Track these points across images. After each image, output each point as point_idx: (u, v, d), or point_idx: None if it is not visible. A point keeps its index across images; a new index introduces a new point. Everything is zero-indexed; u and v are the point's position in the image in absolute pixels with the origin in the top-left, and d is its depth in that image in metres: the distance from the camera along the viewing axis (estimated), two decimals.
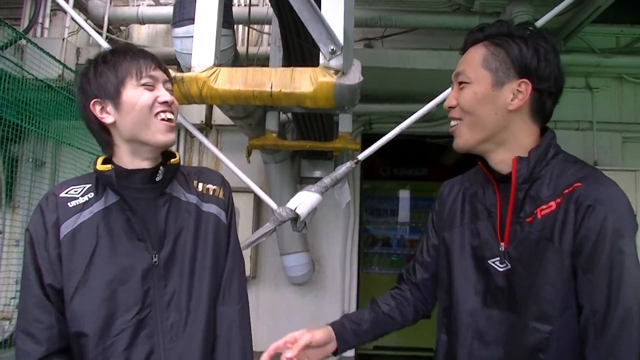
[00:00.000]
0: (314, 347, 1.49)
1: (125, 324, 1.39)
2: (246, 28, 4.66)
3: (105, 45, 2.74)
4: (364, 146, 2.23)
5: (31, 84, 3.52)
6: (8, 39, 3.82)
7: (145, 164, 1.49)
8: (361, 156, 2.28)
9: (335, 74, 1.91)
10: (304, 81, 1.93)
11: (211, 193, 1.59)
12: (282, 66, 3.07)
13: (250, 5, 4.18)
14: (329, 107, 1.99)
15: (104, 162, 1.49)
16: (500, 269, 1.34)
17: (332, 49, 1.88)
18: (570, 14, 4.23)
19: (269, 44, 4.27)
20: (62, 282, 1.39)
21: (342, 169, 2.10)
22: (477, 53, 1.38)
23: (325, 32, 1.87)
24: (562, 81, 1.36)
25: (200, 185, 1.59)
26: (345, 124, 3.72)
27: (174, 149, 1.59)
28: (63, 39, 4.32)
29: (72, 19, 3.43)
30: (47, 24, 4.58)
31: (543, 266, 1.26)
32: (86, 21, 4.49)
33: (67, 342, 1.40)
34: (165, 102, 1.46)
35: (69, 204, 1.44)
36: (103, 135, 1.49)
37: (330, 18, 1.89)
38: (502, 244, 1.34)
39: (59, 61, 3.84)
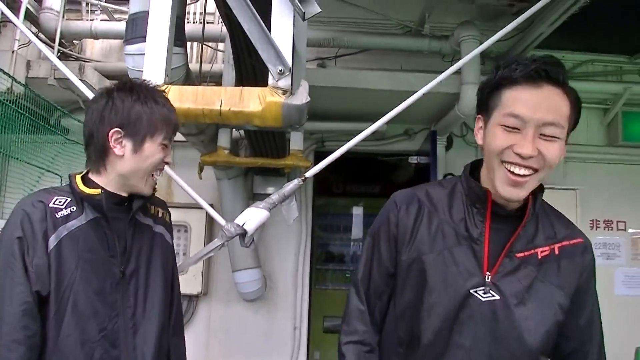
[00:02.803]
0: None
1: (102, 332, 1.51)
2: (200, 45, 4.68)
3: (54, 60, 2.72)
4: (317, 163, 2.29)
5: None
6: None
7: (121, 192, 1.61)
8: (309, 173, 2.32)
9: (284, 94, 1.96)
10: (252, 100, 1.97)
11: (160, 216, 1.77)
12: (235, 85, 3.11)
13: (204, 22, 4.20)
14: (278, 126, 2.03)
15: (83, 181, 1.59)
16: (484, 299, 1.33)
17: (281, 70, 1.94)
18: (515, 39, 4.43)
19: (222, 62, 4.30)
20: (49, 289, 1.47)
21: (290, 185, 2.13)
22: (564, 104, 1.30)
23: (274, 53, 1.92)
24: None
25: (152, 208, 1.76)
26: (296, 141, 3.78)
27: None
28: (13, 52, 4.24)
29: (23, 32, 3.39)
30: None
31: (548, 306, 1.35)
32: (37, 34, 4.43)
33: (38, 353, 1.46)
34: (166, 163, 1.63)
35: (56, 214, 1.52)
36: (101, 156, 1.58)
37: (279, 40, 1.94)
38: (489, 274, 1.33)
39: (7, 74, 3.77)
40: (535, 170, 1.30)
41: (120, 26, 4.71)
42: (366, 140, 2.41)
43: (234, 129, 3.62)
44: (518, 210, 1.38)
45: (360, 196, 7.18)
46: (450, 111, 4.36)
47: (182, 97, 2.03)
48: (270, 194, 2.09)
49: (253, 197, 4.80)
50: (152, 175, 1.61)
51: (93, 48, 5.36)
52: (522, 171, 1.29)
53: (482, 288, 1.33)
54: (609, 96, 5.12)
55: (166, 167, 2.66)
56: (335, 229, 7.11)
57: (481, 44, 2.94)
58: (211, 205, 2.62)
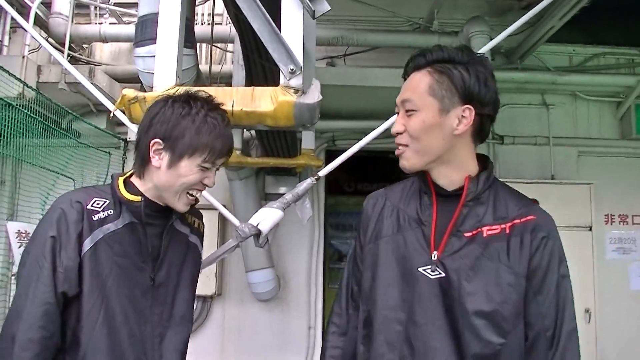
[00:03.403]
0: None
1: (132, 337, 1.50)
2: (209, 46, 4.68)
3: (65, 63, 2.74)
4: (328, 162, 2.28)
5: None
6: None
7: (159, 201, 1.59)
8: (322, 172, 2.32)
9: (295, 93, 1.95)
10: (264, 100, 1.95)
11: (196, 226, 1.76)
12: (245, 85, 3.11)
13: (213, 24, 4.21)
14: (290, 126, 2.02)
15: (125, 184, 1.58)
16: (432, 277, 1.40)
17: (292, 69, 1.92)
18: (525, 33, 4.40)
19: (232, 62, 4.30)
20: (76, 291, 1.45)
21: (303, 185, 2.13)
22: (422, 80, 1.43)
23: (284, 52, 1.91)
24: (499, 104, 1.47)
25: (190, 217, 1.74)
26: (308, 140, 3.77)
27: None
28: (23, 57, 4.27)
29: (33, 37, 3.41)
30: (6, 41, 4.55)
31: (495, 284, 1.36)
32: (47, 39, 4.46)
33: (54, 354, 1.44)
34: (206, 186, 1.57)
35: (93, 217, 1.50)
36: (142, 163, 1.56)
37: (289, 39, 1.93)
38: (436, 252, 1.41)
39: (19, 79, 3.79)
40: (405, 145, 1.46)
41: (129, 29, 4.73)
42: (377, 138, 2.40)
43: (245, 129, 3.62)
44: (459, 190, 1.45)
45: None
46: None
47: None
48: (282, 194, 2.08)
49: (265, 197, 4.81)
50: (188, 193, 1.56)
51: (102, 51, 5.39)
52: (399, 147, 1.47)
53: (430, 266, 1.40)
54: (621, 89, 5.09)
55: None
56: (348, 228, 7.09)
57: (491, 39, 2.93)
58: (223, 206, 2.62)
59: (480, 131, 1.46)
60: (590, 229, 4.59)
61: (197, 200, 1.63)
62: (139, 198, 1.54)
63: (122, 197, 1.54)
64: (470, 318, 1.35)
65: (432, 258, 1.41)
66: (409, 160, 1.47)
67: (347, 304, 1.65)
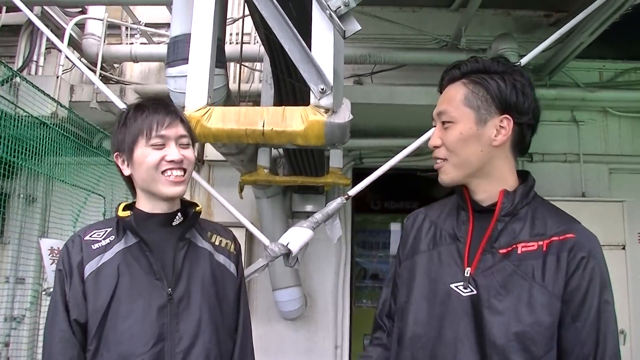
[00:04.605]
0: None
1: (142, 355, 1.49)
2: (238, 65, 4.73)
3: (98, 83, 2.79)
4: (355, 181, 2.28)
5: (25, 121, 3.54)
6: (3, 77, 3.86)
7: (162, 209, 1.63)
8: (352, 192, 2.31)
9: (326, 113, 1.95)
10: (295, 120, 1.96)
11: (223, 245, 1.74)
12: (274, 104, 3.12)
13: (242, 43, 4.25)
14: (320, 145, 2.02)
15: (125, 208, 1.63)
16: (464, 294, 1.36)
17: (323, 89, 1.93)
18: (554, 49, 4.35)
19: (260, 81, 4.34)
20: (87, 317, 1.52)
21: (334, 204, 2.13)
22: (458, 92, 1.40)
23: (315, 72, 1.92)
24: (539, 113, 1.42)
25: (214, 237, 1.74)
26: (336, 159, 3.76)
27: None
28: (57, 77, 4.36)
29: (67, 57, 3.48)
30: (41, 62, 4.65)
31: (527, 304, 1.29)
32: (80, 59, 4.55)
33: None
34: (172, 161, 1.56)
35: (92, 246, 1.58)
36: (127, 182, 1.67)
37: (320, 58, 1.94)
38: (469, 269, 1.36)
39: (52, 98, 3.87)
40: (444, 159, 1.44)
41: (159, 49, 4.82)
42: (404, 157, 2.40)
43: (273, 148, 3.63)
44: (495, 205, 1.41)
45: (398, 212, 7.11)
46: None
47: (225, 118, 2.03)
48: (309, 212, 2.08)
49: (292, 216, 4.81)
50: (166, 176, 1.57)
51: (132, 71, 5.48)
52: (438, 161, 1.45)
53: (462, 283, 1.37)
54: None
55: (206, 186, 2.69)
56: (375, 246, 7.05)
57: (520, 56, 2.90)
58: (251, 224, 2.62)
59: (521, 142, 1.42)
60: (624, 248, 4.49)
61: (185, 177, 1.62)
62: (128, 212, 1.61)
63: (118, 217, 1.61)
64: (497, 339, 1.29)
65: (465, 274, 1.37)
66: (448, 174, 1.44)
67: (390, 318, 1.62)
